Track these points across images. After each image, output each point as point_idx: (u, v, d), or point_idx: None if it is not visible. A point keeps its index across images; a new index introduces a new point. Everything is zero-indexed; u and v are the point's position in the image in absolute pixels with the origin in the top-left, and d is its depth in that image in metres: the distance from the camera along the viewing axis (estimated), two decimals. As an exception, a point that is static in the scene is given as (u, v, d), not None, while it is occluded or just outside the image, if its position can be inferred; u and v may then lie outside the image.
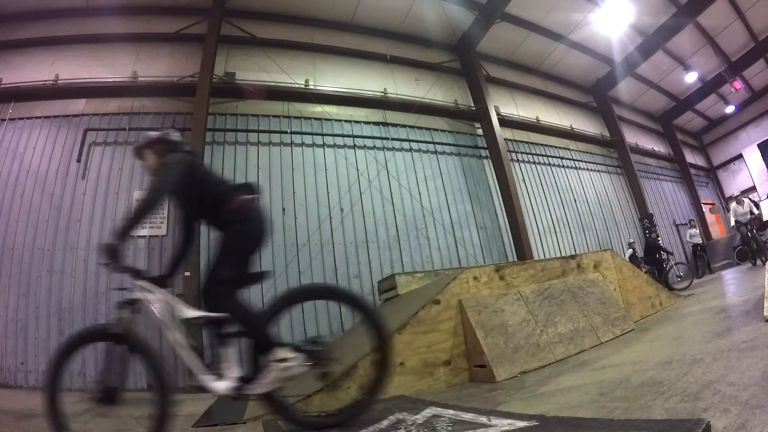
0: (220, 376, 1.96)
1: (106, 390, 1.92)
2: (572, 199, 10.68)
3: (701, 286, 8.03)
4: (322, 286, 2.59)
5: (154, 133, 2.38)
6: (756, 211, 9.11)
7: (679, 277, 9.99)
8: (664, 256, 9.83)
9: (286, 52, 8.18)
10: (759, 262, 8.50)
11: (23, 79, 6.61)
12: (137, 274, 2.08)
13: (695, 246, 11.70)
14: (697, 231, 12.19)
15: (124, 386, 1.98)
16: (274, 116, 7.58)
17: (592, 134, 12.35)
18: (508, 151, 9.52)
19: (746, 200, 9.07)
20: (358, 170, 7.78)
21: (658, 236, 10.68)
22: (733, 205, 9.10)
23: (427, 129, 8.98)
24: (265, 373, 1.96)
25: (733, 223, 9.02)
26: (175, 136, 2.40)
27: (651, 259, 9.67)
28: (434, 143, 8.88)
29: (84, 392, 2.01)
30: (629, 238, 10.84)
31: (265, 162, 7.16)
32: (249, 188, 2.29)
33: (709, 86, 14.02)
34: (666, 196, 14.04)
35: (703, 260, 11.48)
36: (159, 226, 6.23)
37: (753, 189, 16.02)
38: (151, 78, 7.03)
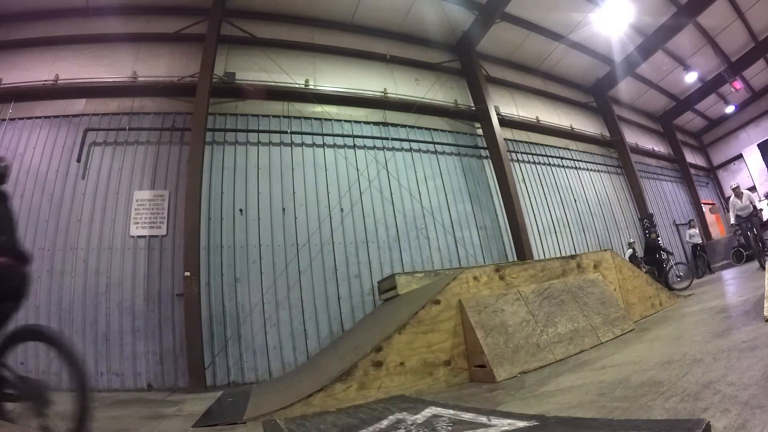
0: None
1: None
2: (572, 199, 10.68)
3: (701, 286, 8.03)
4: (30, 328, 2.59)
5: None
6: (758, 204, 8.00)
7: (679, 277, 9.99)
8: (664, 256, 9.83)
9: (286, 52, 8.18)
10: (765, 261, 7.30)
11: (23, 79, 6.61)
12: None
13: (695, 246, 11.71)
14: (697, 231, 12.20)
15: None
16: (274, 116, 7.57)
17: (592, 134, 12.35)
18: (508, 151, 9.52)
19: (745, 192, 7.96)
20: (358, 170, 7.78)
21: (658, 236, 10.68)
22: (731, 199, 8.02)
23: (427, 129, 8.98)
24: None
25: (733, 220, 7.97)
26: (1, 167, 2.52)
27: (651, 259, 9.68)
28: (434, 143, 8.88)
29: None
30: (629, 238, 10.84)
31: (265, 162, 7.16)
32: (8, 249, 2.32)
33: (709, 86, 14.01)
34: (666, 196, 14.04)
35: (703, 260, 11.50)
36: (159, 226, 6.23)
37: (753, 189, 16.01)
38: (151, 78, 7.03)
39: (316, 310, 6.51)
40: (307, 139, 7.64)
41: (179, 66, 7.27)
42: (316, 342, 6.31)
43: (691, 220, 12.89)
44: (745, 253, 8.91)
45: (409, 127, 8.71)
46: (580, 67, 12.09)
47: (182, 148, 6.70)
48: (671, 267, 9.91)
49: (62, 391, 2.07)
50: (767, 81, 14.66)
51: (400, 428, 1.97)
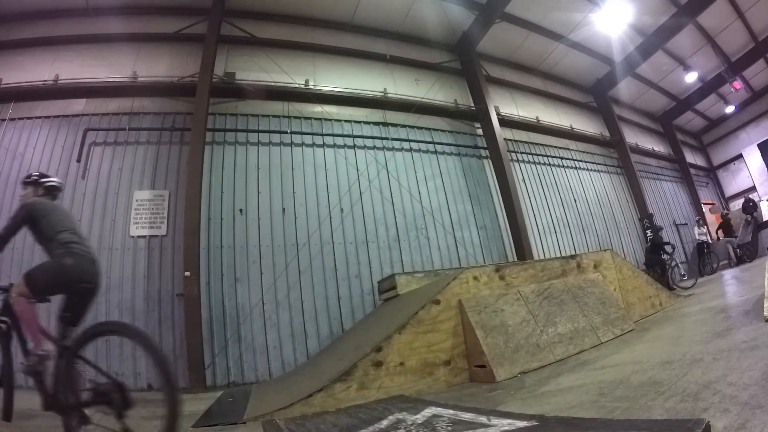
0: None
1: None
2: (572, 199, 10.68)
3: (702, 285, 8.02)
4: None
5: None
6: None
7: (683, 275, 9.95)
8: (665, 257, 9.80)
9: (286, 52, 8.17)
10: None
11: (23, 79, 6.61)
12: None
13: (702, 244, 11.68)
14: (705, 230, 12.22)
15: None
16: (274, 116, 7.57)
17: (592, 134, 12.35)
18: (508, 151, 9.51)
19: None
20: (358, 170, 7.77)
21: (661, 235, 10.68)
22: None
23: (427, 129, 8.98)
24: None
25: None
26: None
27: (656, 258, 9.62)
28: (434, 143, 8.88)
29: None
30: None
31: (265, 162, 7.16)
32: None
33: (709, 86, 14.00)
34: (666, 196, 14.04)
35: (710, 258, 11.47)
36: (159, 226, 6.23)
37: (753, 189, 16.01)
38: (151, 78, 7.03)
39: (316, 310, 6.51)
40: (307, 139, 7.64)
41: (179, 66, 7.27)
42: (316, 342, 6.31)
43: (698, 219, 12.90)
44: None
45: (409, 127, 8.71)
46: (580, 67, 12.09)
47: (182, 148, 6.70)
48: (674, 266, 9.87)
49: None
50: (767, 81, 14.65)
51: (400, 428, 1.97)
